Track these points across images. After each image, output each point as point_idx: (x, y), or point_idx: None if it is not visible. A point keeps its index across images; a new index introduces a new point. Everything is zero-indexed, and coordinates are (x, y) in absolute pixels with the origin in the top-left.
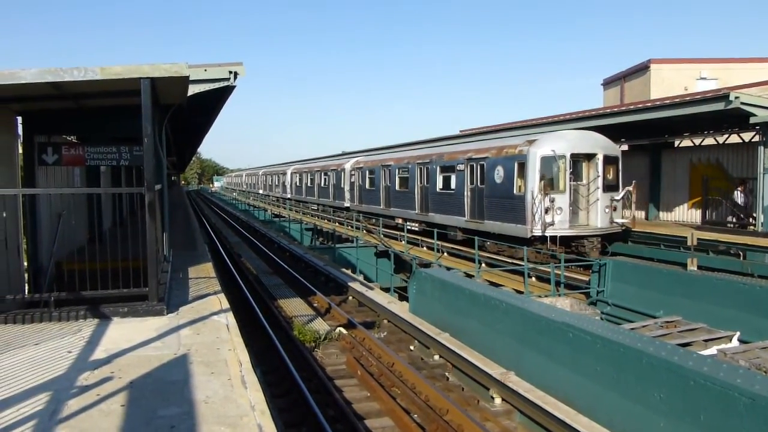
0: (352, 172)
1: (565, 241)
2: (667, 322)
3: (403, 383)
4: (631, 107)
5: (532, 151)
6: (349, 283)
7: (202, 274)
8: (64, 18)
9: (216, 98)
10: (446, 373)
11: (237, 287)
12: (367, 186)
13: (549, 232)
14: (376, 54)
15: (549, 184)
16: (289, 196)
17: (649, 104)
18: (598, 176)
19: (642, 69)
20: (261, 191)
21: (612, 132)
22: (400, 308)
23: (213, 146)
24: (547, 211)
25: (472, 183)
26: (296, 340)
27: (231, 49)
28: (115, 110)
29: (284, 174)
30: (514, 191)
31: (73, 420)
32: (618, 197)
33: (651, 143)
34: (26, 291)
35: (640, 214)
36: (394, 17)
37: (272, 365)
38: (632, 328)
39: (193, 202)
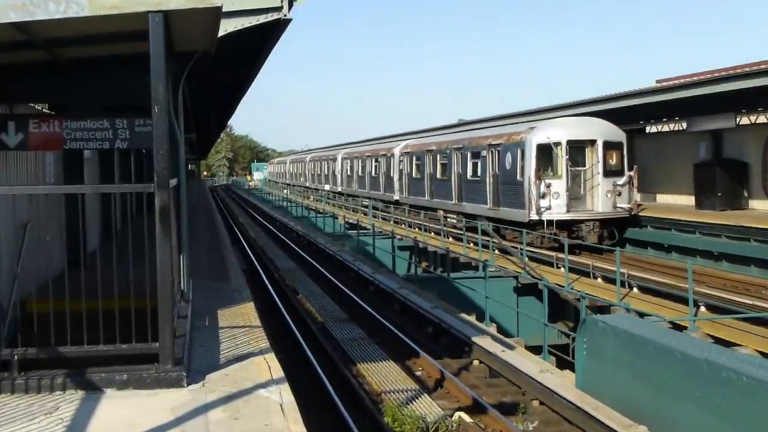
0: (401, 158)
1: (565, 226)
2: None
3: None
4: None
5: (529, 138)
6: (474, 338)
7: (240, 321)
8: None
9: (260, 40)
10: None
11: (293, 342)
12: (414, 174)
13: (545, 216)
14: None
15: (545, 170)
16: (340, 188)
17: None
18: (598, 161)
19: None
20: (308, 183)
21: None
22: (561, 381)
23: (257, 122)
24: (543, 196)
25: (492, 169)
26: None
27: None
28: (110, 64)
29: (334, 160)
30: (518, 177)
31: None
32: (621, 182)
33: None
34: None
35: None
36: None
37: None
38: None
39: (222, 205)
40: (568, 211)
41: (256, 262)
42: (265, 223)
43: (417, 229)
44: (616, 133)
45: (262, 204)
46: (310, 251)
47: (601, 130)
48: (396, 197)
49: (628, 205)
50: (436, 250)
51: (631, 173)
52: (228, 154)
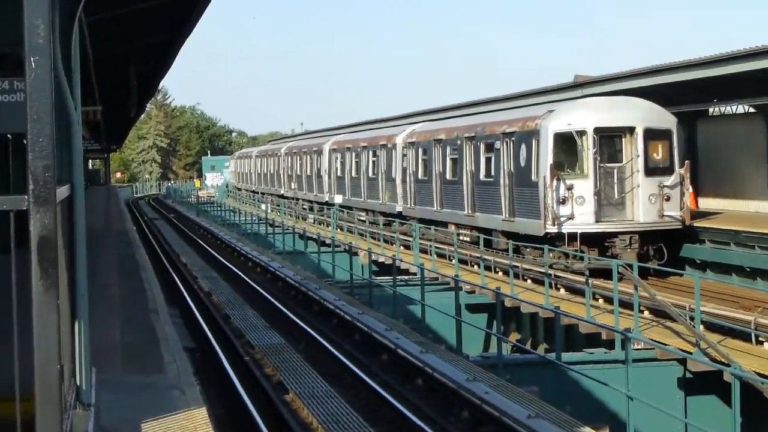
0: (405, 151)
1: (593, 240)
2: None
3: None
4: None
5: (544, 125)
6: None
7: None
8: None
9: None
10: None
11: None
12: (421, 175)
13: (566, 228)
14: None
15: (569, 168)
16: (328, 196)
17: None
18: (638, 156)
19: None
20: (284, 190)
21: None
22: None
23: (215, 88)
24: (563, 201)
25: (507, 167)
26: None
27: None
28: None
29: (320, 153)
30: (532, 177)
31: None
32: (669, 182)
33: None
34: None
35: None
36: None
37: None
38: None
39: (150, 232)
40: (597, 221)
41: (211, 336)
42: (228, 264)
43: (501, 273)
44: (663, 118)
45: (221, 231)
46: (309, 315)
47: (642, 114)
48: (399, 208)
49: (680, 214)
50: (537, 312)
51: (682, 171)
52: (160, 141)
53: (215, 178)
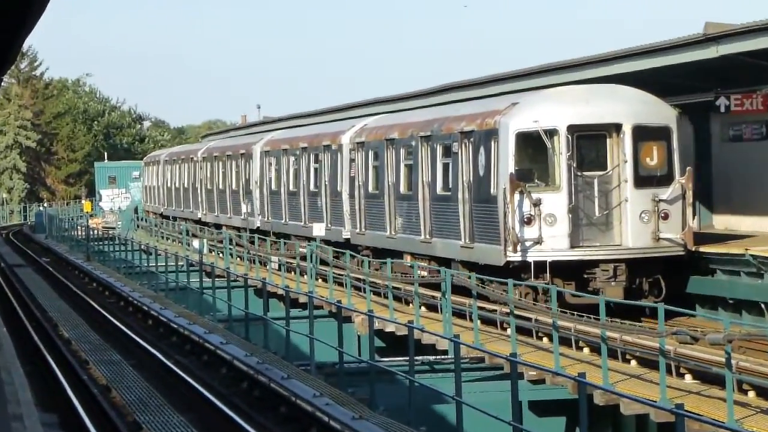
0: (353, 155)
1: (568, 271)
2: None
3: None
4: None
5: (504, 122)
6: None
7: None
8: None
9: None
10: None
11: None
12: (371, 188)
13: (532, 256)
14: None
15: (533, 176)
16: (259, 221)
17: None
18: (626, 161)
19: None
20: (201, 214)
21: None
22: None
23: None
24: (529, 221)
25: (467, 176)
26: None
27: None
28: None
29: (249, 156)
30: (491, 190)
31: None
32: (667, 196)
33: None
34: None
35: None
36: None
37: None
38: None
39: (13, 288)
40: (572, 247)
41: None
42: (138, 339)
43: (586, 350)
44: (659, 112)
45: (127, 285)
46: (272, 422)
47: (632, 107)
48: (346, 234)
49: (680, 236)
50: (647, 413)
51: (682, 180)
52: (26, 138)
53: (117, 197)
